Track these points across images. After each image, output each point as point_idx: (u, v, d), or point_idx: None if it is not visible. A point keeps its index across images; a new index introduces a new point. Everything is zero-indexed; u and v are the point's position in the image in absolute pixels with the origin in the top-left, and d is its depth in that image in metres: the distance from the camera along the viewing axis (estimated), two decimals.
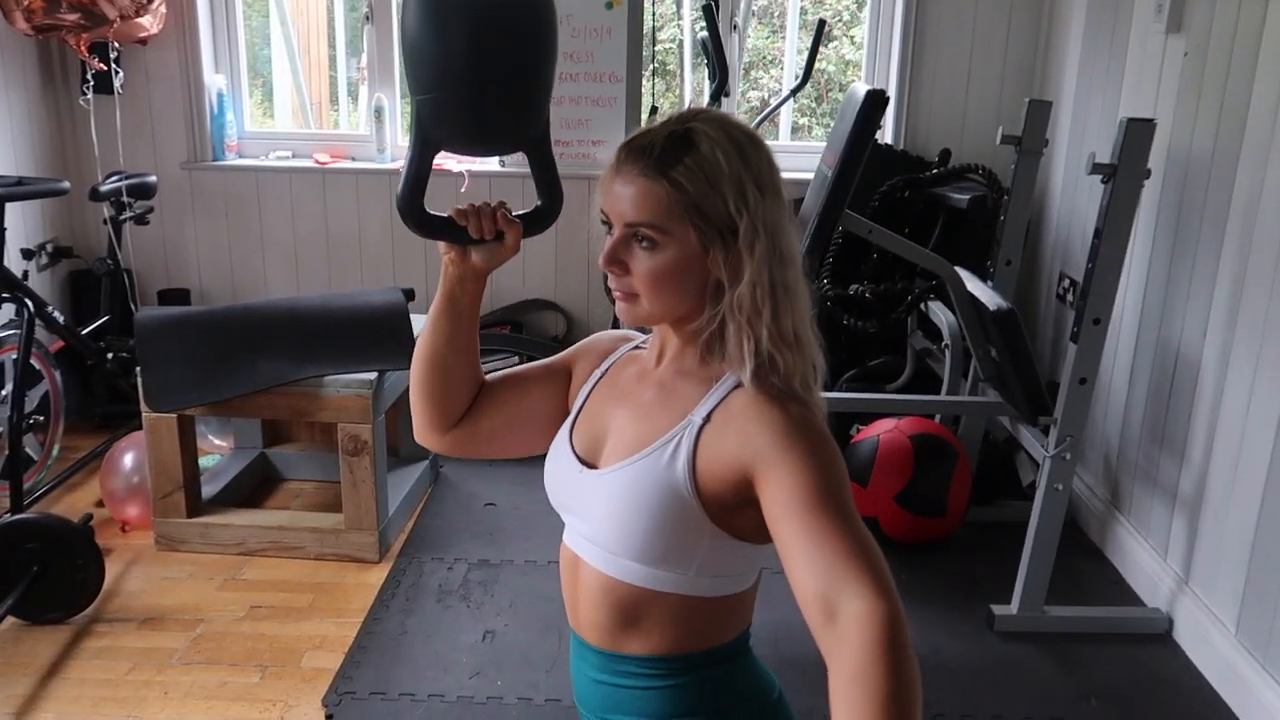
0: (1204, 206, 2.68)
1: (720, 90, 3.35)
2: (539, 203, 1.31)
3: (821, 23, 3.77)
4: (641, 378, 1.29)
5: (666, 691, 1.23)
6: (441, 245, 1.28)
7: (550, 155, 1.30)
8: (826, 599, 1.00)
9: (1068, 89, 3.59)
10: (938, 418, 3.28)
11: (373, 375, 2.89)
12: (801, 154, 4.13)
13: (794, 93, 3.84)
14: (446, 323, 1.31)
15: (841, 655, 0.98)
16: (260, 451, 3.51)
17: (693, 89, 4.85)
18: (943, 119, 3.97)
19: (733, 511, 1.16)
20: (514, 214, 1.27)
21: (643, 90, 3.19)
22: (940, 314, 3.34)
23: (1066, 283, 3.55)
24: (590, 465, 1.26)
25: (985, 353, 2.90)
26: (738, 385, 1.18)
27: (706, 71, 3.63)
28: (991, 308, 2.66)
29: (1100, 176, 2.44)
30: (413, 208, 1.25)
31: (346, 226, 4.09)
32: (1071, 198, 3.54)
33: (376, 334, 3.00)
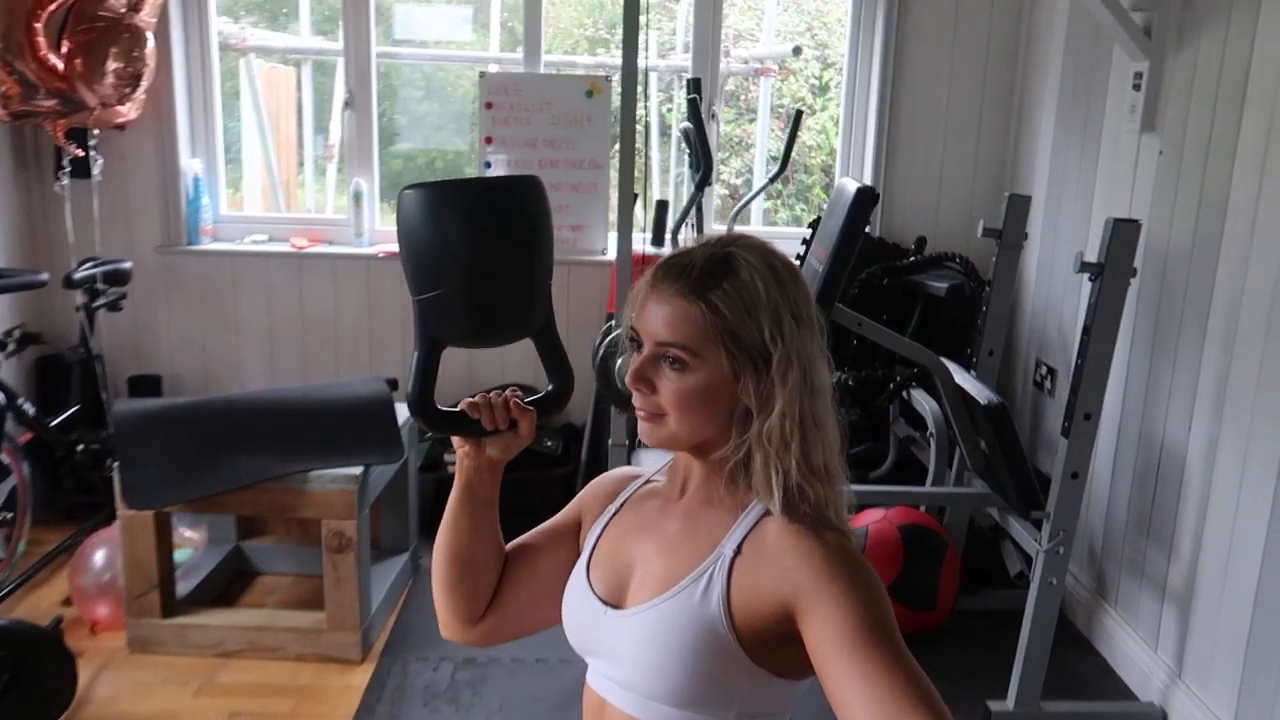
0: (1185, 301, 2.74)
1: (705, 180, 3.39)
2: (550, 387, 1.31)
3: (798, 113, 3.84)
4: (665, 509, 1.26)
5: None
6: (455, 440, 1.27)
7: (557, 339, 1.31)
8: None
9: (1039, 182, 3.68)
10: (923, 507, 3.28)
11: (358, 470, 2.84)
12: (774, 239, 4.17)
13: (772, 180, 3.89)
14: (467, 516, 1.29)
15: None
16: (234, 545, 3.42)
17: (659, 169, 4.91)
18: (917, 208, 4.04)
19: (773, 647, 1.14)
20: (526, 400, 1.27)
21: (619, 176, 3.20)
22: (924, 401, 3.37)
23: (1044, 370, 3.60)
24: (614, 605, 1.22)
25: (974, 444, 2.92)
26: (767, 513, 1.17)
27: (689, 161, 3.68)
28: (982, 401, 2.68)
29: (1088, 275, 2.49)
30: (424, 406, 1.24)
31: (323, 311, 4.05)
32: (1046, 287, 3.61)
33: (362, 427, 2.95)
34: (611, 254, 4.01)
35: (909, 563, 2.97)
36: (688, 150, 3.66)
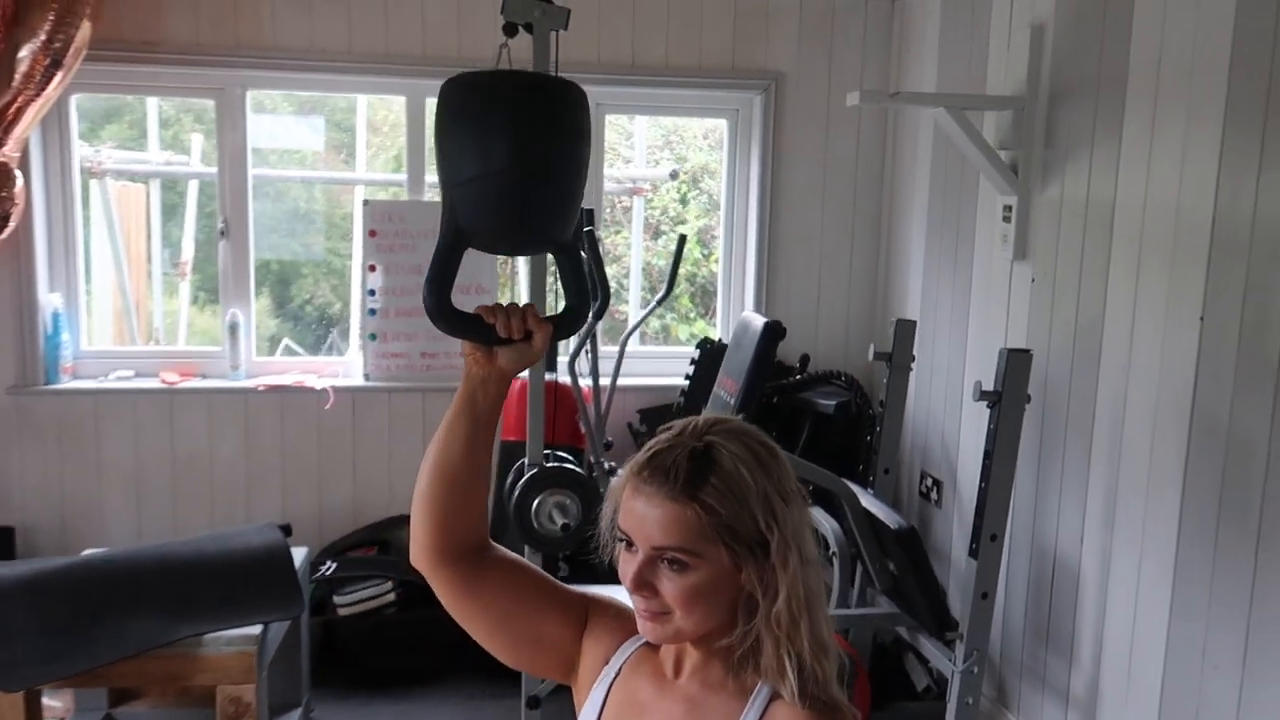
0: (1067, 419, 2.90)
1: (602, 310, 3.41)
2: (565, 305, 1.30)
3: (682, 238, 3.93)
4: (661, 690, 1.24)
5: None
6: (465, 345, 1.24)
7: (580, 257, 1.30)
8: None
9: (913, 305, 3.86)
10: None
11: (257, 629, 2.67)
12: (656, 359, 4.23)
13: (659, 303, 3.95)
14: (463, 425, 1.25)
15: None
16: (105, 713, 3.13)
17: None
18: (798, 326, 4.16)
19: None
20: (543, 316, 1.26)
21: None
22: (824, 520, 3.42)
23: (929, 481, 3.74)
24: None
25: (882, 566, 2.98)
26: (774, 697, 1.17)
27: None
28: (892, 526, 2.75)
29: (986, 402, 2.61)
30: (440, 304, 1.21)
31: (196, 451, 3.84)
32: (926, 403, 3.76)
33: (259, 580, 2.78)
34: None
35: None
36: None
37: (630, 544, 1.18)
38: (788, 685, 1.16)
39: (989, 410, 2.63)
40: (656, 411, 4.07)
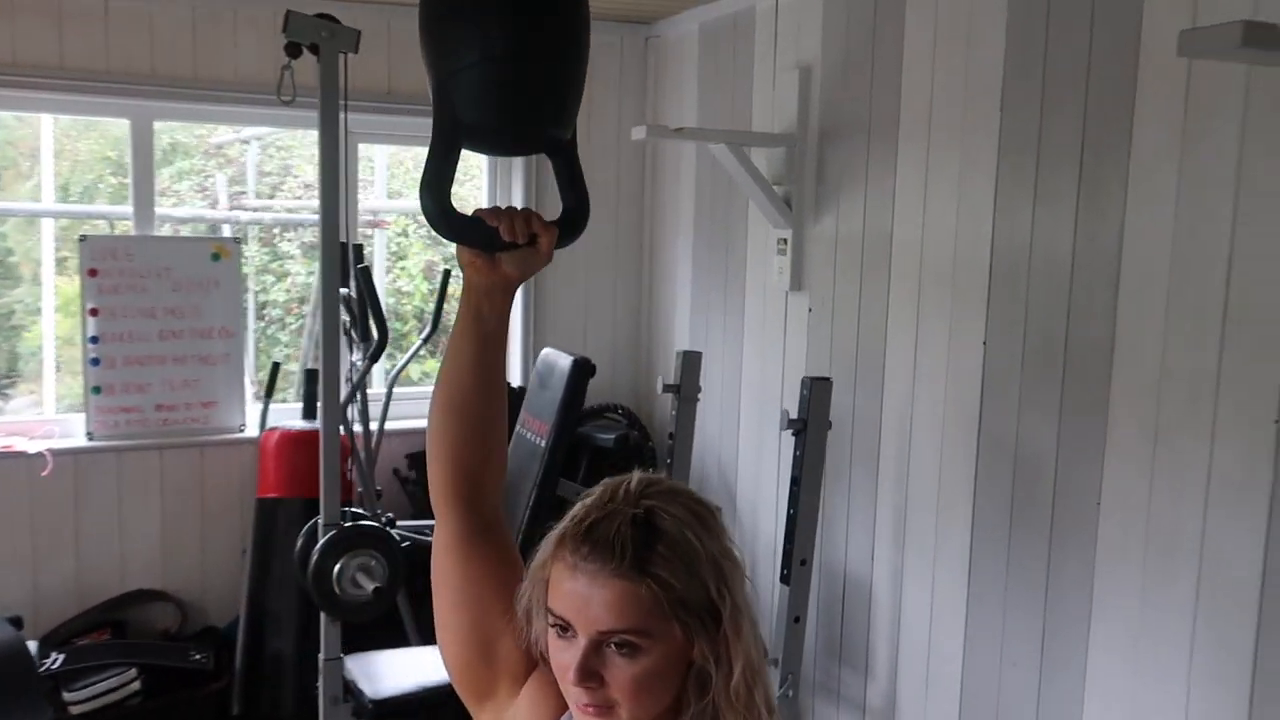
0: (852, 444, 3.03)
1: (379, 352, 3.19)
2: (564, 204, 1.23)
3: (446, 273, 3.78)
4: None
5: None
6: (464, 254, 1.14)
7: (577, 159, 1.22)
8: None
9: (680, 335, 3.92)
10: None
11: None
12: (419, 400, 4.03)
13: (425, 341, 3.77)
14: (469, 345, 1.15)
15: None
16: None
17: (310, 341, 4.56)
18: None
19: None
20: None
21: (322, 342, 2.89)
22: None
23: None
24: None
25: None
26: None
27: (355, 333, 3.46)
28: None
29: (791, 430, 2.68)
30: (441, 206, 1.11)
31: None
32: (701, 431, 3.81)
33: None
34: (252, 430, 3.62)
35: None
36: (348, 318, 3.44)
37: (565, 629, 1.07)
38: None
39: (794, 437, 2.69)
40: (424, 456, 3.86)
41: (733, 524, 3.65)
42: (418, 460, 3.85)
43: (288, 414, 3.65)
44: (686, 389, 3.28)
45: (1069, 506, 2.38)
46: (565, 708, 1.18)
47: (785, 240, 3.25)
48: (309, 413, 3.59)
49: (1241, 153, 2.00)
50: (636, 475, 1.14)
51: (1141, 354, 2.20)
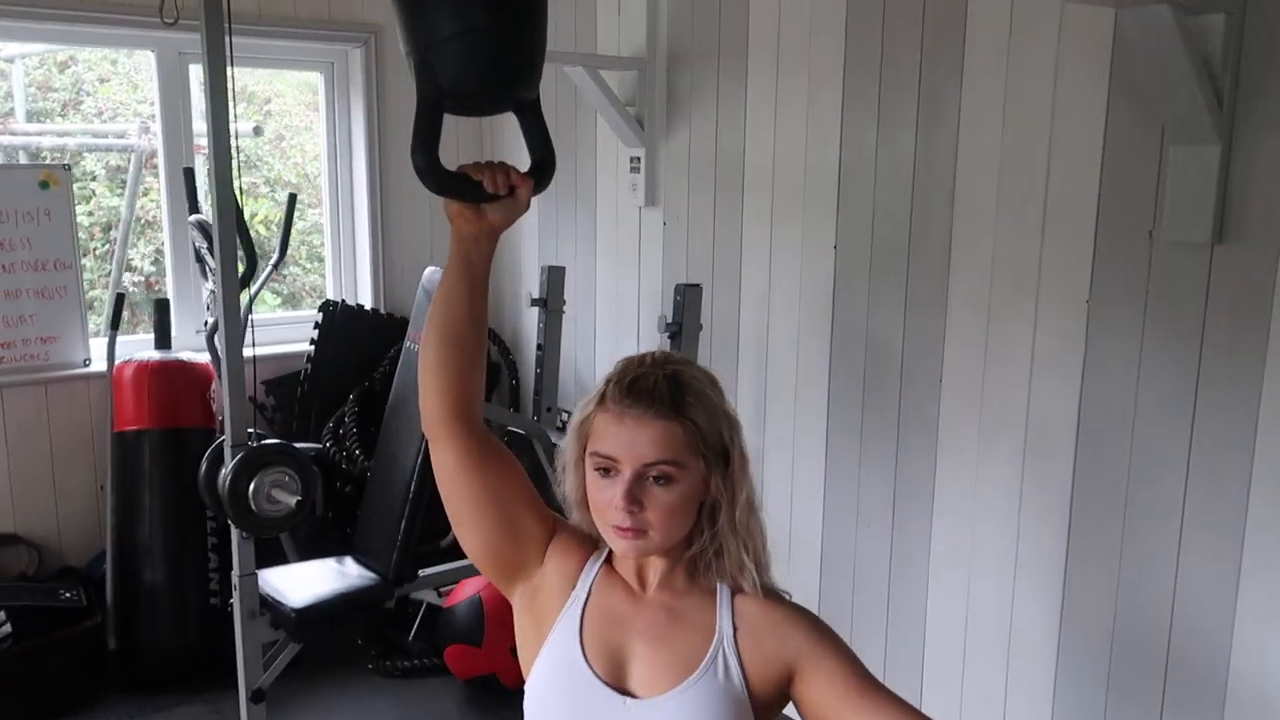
0: (711, 344, 3.31)
1: (249, 277, 3.16)
2: (532, 157, 1.35)
3: (292, 197, 3.76)
4: (636, 603, 1.35)
5: None
6: (452, 207, 1.28)
7: (542, 114, 1.36)
8: None
9: (528, 250, 4.07)
10: None
11: None
12: (274, 326, 4.02)
13: (276, 266, 3.74)
14: (463, 286, 1.29)
15: None
16: None
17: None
18: (414, 281, 4.18)
19: (769, 709, 1.33)
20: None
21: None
22: None
23: (564, 416, 4.01)
24: (618, 692, 1.28)
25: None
26: (735, 592, 1.35)
27: (201, 256, 3.40)
28: None
29: (668, 333, 2.92)
30: (431, 164, 1.24)
31: None
32: (556, 343, 4.01)
33: None
34: (98, 364, 3.51)
35: None
36: (206, 245, 3.38)
37: (608, 471, 1.27)
38: (749, 579, 1.34)
39: (669, 340, 2.94)
40: (282, 381, 3.87)
41: None
42: (273, 386, 3.85)
43: (135, 346, 3.56)
44: (552, 302, 3.46)
45: (914, 386, 2.75)
46: (587, 558, 1.38)
47: (639, 159, 3.45)
48: (162, 343, 3.52)
49: (1057, 72, 2.36)
50: (654, 350, 1.35)
51: (975, 250, 2.57)
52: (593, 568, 1.37)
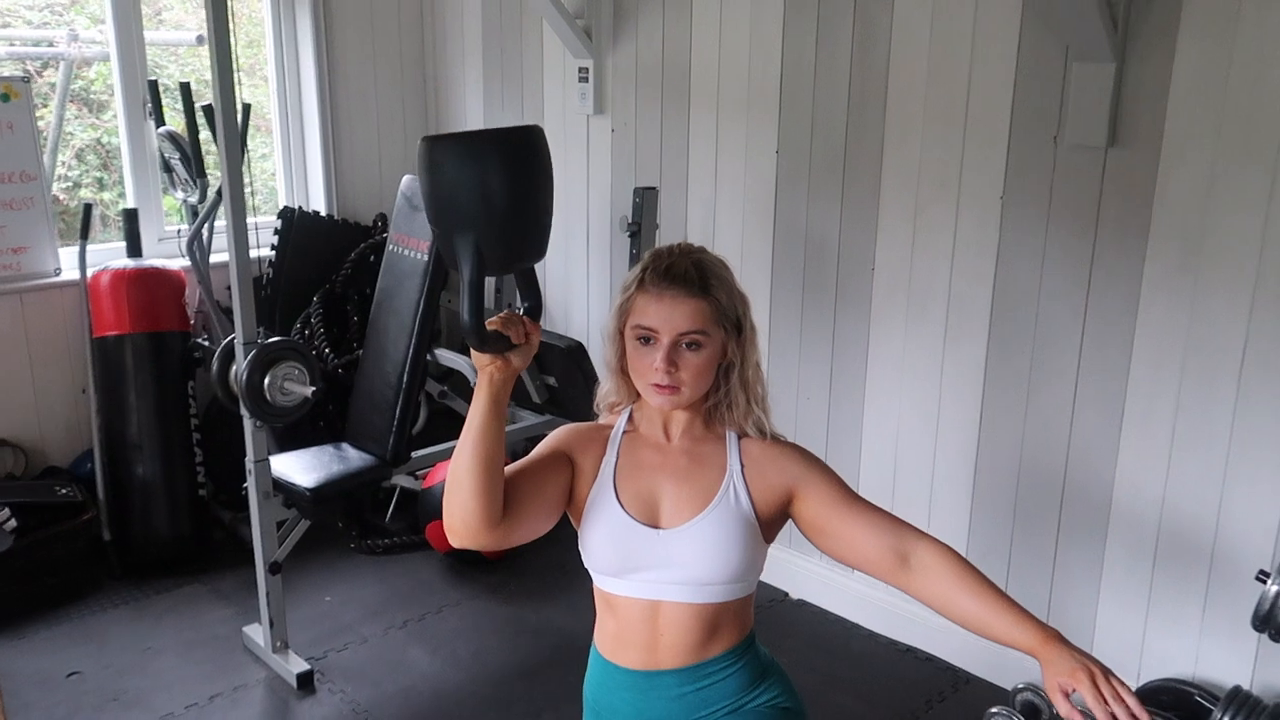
0: (658, 240, 3.63)
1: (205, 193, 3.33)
2: (526, 304, 1.63)
3: (246, 107, 3.88)
4: (662, 451, 1.68)
5: (742, 671, 1.68)
6: (483, 360, 1.50)
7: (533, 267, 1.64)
8: (897, 550, 1.58)
9: None
10: None
11: None
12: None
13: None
14: (494, 424, 1.51)
15: (940, 570, 1.58)
16: None
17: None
18: (366, 188, 4.36)
19: (772, 526, 1.68)
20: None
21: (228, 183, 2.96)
22: (454, 358, 3.81)
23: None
24: (654, 527, 1.62)
25: (541, 383, 3.51)
26: (741, 436, 1.69)
27: (171, 167, 3.54)
28: (561, 345, 3.28)
29: (628, 232, 3.22)
30: (479, 327, 1.48)
31: None
32: None
33: None
34: (69, 273, 3.64)
35: None
36: (177, 155, 3.52)
37: (648, 340, 1.59)
38: (754, 424, 1.68)
39: (629, 239, 3.24)
40: None
41: (548, 327, 4.18)
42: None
43: (104, 255, 3.69)
44: None
45: (849, 273, 3.13)
46: (605, 439, 1.67)
47: (587, 69, 3.69)
48: (134, 251, 3.66)
49: None
50: (678, 242, 1.65)
51: (905, 150, 2.93)
52: (615, 440, 1.67)
